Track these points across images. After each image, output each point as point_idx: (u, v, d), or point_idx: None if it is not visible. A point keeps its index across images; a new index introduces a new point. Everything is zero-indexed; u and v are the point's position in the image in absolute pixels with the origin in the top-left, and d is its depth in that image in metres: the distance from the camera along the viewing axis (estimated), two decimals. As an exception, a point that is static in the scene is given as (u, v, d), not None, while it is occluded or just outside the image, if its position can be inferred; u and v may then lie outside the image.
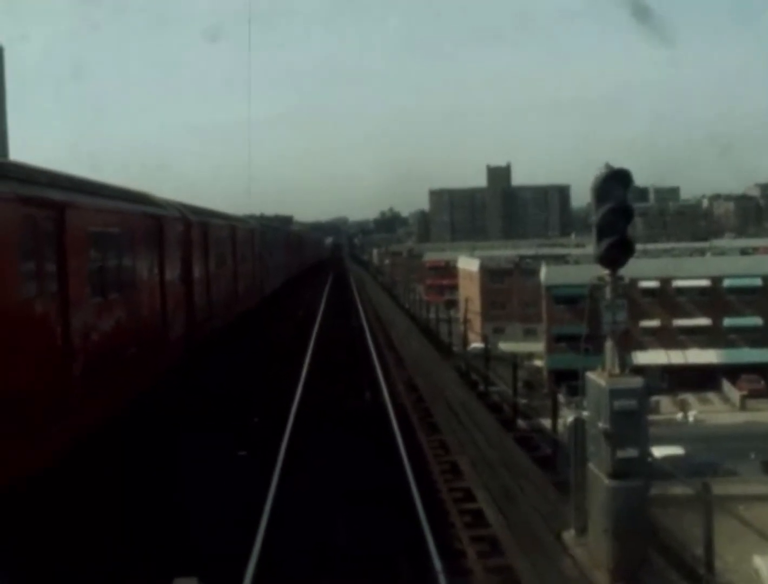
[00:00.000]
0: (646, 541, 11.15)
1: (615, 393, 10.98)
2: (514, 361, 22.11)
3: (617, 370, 11.36)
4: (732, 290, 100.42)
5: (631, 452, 10.92)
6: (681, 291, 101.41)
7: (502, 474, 16.81)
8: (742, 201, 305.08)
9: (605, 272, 11.72)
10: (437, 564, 11.79)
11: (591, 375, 11.69)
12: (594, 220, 11.50)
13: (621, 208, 11.31)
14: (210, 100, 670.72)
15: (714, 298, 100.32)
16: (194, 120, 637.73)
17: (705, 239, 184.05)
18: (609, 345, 11.52)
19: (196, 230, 25.56)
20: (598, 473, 11.33)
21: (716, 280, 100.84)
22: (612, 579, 11.05)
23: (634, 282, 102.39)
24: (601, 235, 11.41)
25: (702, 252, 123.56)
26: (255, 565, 11.75)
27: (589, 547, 11.83)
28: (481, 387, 27.48)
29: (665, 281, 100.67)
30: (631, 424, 10.96)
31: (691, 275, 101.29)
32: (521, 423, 22.15)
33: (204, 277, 26.63)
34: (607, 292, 11.65)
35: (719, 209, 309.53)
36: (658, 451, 57.83)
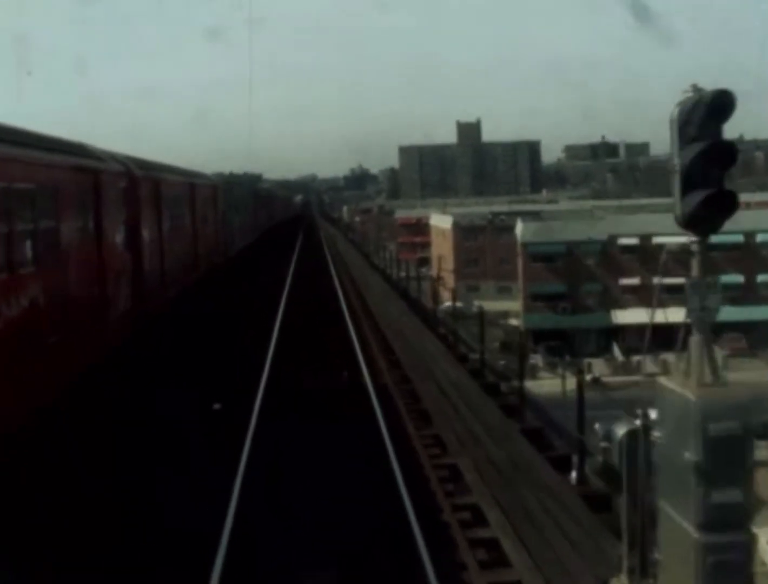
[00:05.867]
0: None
1: (710, 413, 7.73)
2: (522, 341, 18.59)
3: (709, 378, 8.10)
4: (714, 247, 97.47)
5: (733, 495, 7.72)
6: (661, 248, 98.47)
7: (516, 485, 13.62)
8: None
9: (691, 238, 8.41)
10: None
11: (668, 383, 8.40)
12: (676, 164, 8.14)
13: (718, 149, 7.92)
14: (177, 57, 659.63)
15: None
16: (159, 77, 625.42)
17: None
18: (696, 341, 8.25)
19: (145, 186, 22.11)
20: (680, 520, 8.09)
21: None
22: None
23: (613, 238, 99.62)
24: (687, 186, 8.06)
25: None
26: None
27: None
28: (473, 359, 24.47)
29: (645, 238, 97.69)
30: (732, 456, 7.73)
31: (671, 232, 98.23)
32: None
33: (156, 240, 23.23)
34: (694, 268, 8.39)
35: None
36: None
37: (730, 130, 7.83)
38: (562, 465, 14.83)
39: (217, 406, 19.09)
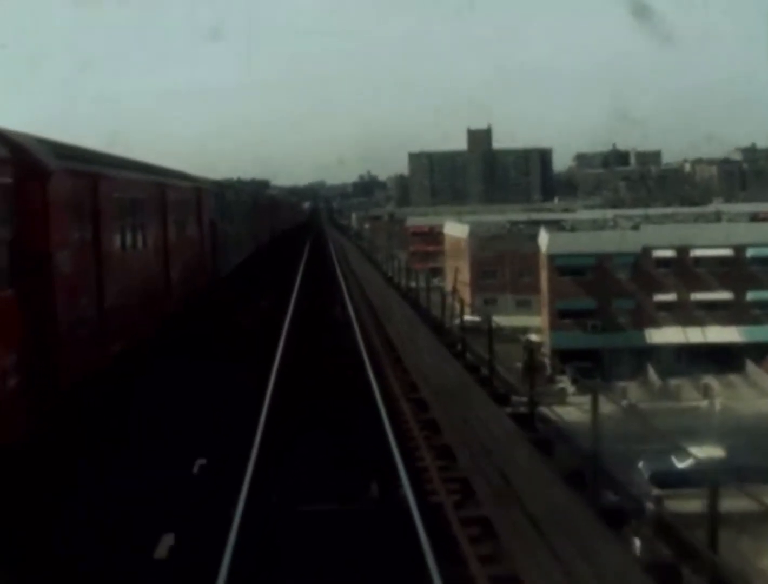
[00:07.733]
0: None
1: None
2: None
3: None
4: (756, 260, 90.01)
5: None
6: (699, 261, 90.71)
7: None
8: (725, 165, 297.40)
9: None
10: None
11: None
12: None
13: None
14: (186, 63, 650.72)
15: (736, 269, 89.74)
16: (168, 83, 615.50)
17: (693, 204, 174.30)
18: None
19: (65, 185, 14.22)
20: None
21: (738, 250, 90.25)
22: None
23: (647, 251, 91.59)
24: None
25: (717, 217, 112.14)
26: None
27: None
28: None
29: (682, 250, 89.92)
30: None
31: (709, 244, 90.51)
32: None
33: (86, 266, 15.37)
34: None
35: (702, 173, 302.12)
36: (697, 452, 47.48)
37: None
38: None
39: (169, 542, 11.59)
